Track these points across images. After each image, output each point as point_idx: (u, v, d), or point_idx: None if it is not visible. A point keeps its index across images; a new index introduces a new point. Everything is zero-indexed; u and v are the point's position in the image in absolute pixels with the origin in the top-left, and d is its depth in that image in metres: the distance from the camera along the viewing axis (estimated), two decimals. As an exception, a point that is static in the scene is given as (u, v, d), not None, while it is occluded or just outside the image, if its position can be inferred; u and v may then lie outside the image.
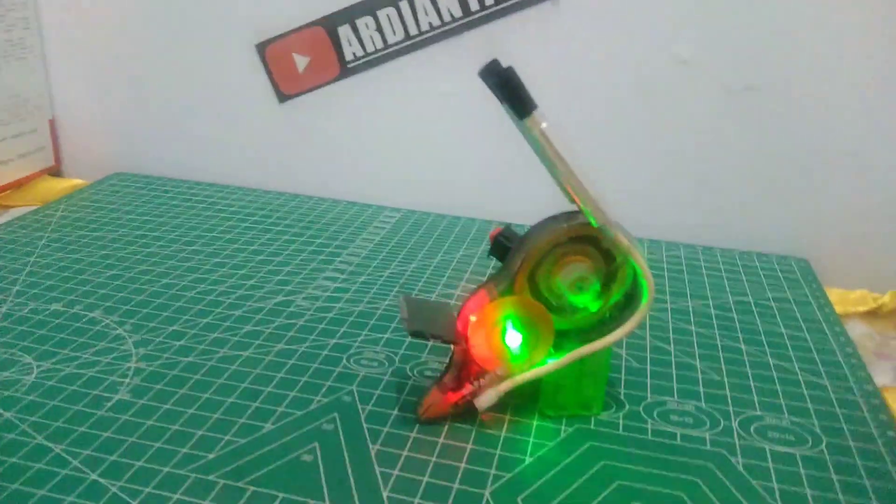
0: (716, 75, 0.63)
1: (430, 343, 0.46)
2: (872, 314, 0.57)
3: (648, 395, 0.45)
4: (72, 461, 0.37)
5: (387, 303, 0.55)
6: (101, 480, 0.36)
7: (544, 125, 0.35)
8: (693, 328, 0.53)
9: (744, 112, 0.63)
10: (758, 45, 0.62)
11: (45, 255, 0.60)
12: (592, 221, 0.37)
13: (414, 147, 0.72)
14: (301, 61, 0.71)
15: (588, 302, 0.40)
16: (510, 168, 0.71)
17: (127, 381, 0.44)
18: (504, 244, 0.44)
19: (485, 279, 0.40)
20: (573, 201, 0.39)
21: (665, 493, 0.37)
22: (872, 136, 0.62)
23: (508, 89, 0.34)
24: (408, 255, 0.63)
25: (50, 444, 0.38)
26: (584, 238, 0.39)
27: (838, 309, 0.56)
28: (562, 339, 0.40)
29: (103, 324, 0.50)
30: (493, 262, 0.60)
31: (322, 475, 0.37)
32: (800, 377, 0.47)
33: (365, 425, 0.41)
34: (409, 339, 0.50)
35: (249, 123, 0.75)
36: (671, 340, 0.51)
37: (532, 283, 0.40)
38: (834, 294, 0.59)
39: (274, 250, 0.63)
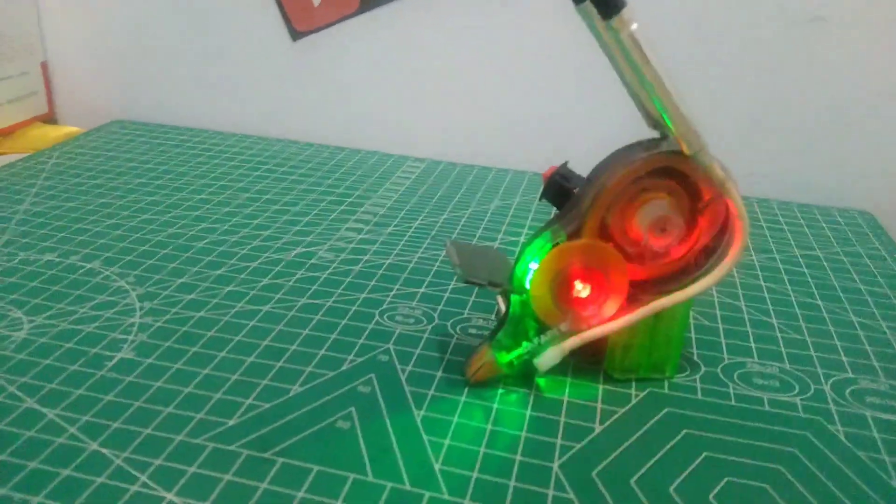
0: (779, 2, 0.57)
1: (485, 291, 0.40)
2: (954, 270, 0.52)
3: (725, 356, 0.39)
4: (68, 428, 0.32)
5: (419, 254, 0.49)
6: (103, 450, 0.31)
7: (634, 26, 0.29)
8: (763, 283, 0.47)
9: (807, 46, 0.57)
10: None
11: (38, 204, 0.54)
12: (685, 148, 0.32)
13: (439, 91, 0.66)
14: (316, -6, 0.64)
15: (671, 246, 0.34)
16: (545, 115, 0.65)
17: (131, 337, 0.39)
18: (562, 185, 0.38)
19: (548, 220, 0.35)
20: (656, 125, 0.33)
21: (761, 467, 0.32)
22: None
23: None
24: (437, 207, 0.57)
25: (43, 409, 0.33)
26: (666, 170, 0.33)
27: (917, 265, 0.51)
28: (636, 290, 0.35)
29: (103, 275, 0.45)
30: (537, 210, 0.54)
31: (362, 444, 0.32)
32: (889, 336, 0.42)
33: (407, 388, 0.35)
34: (448, 293, 0.44)
35: (259, 65, 0.69)
36: (741, 297, 0.45)
37: (603, 225, 0.34)
38: (908, 249, 0.54)
39: (290, 200, 0.57)
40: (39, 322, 0.40)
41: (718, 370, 0.38)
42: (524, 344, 0.35)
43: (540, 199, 0.39)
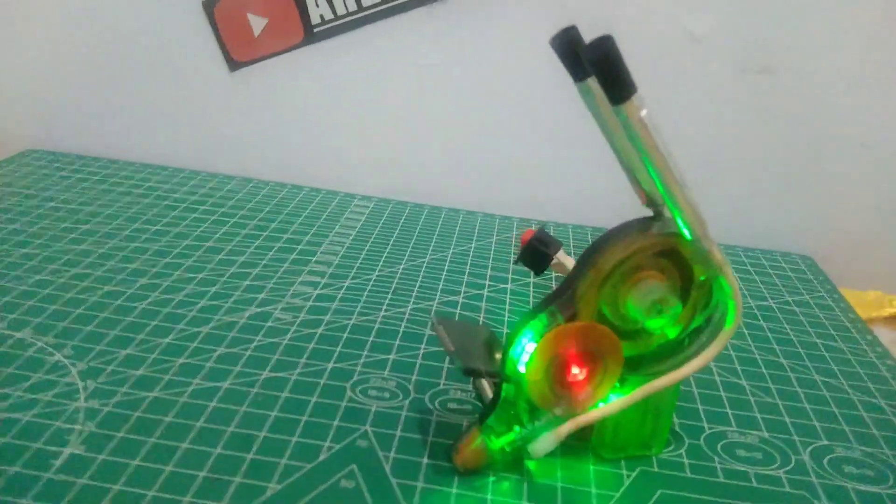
0: (730, 55, 0.58)
1: (482, 377, 0.38)
2: (893, 319, 0.54)
3: (705, 425, 0.39)
4: (16, 550, 0.28)
5: (382, 313, 0.47)
6: (61, 577, 0.27)
7: (644, 112, 0.28)
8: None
9: (756, 96, 0.59)
10: (775, 25, 0.57)
11: (-54, 255, 0.48)
12: (686, 233, 0.31)
13: (387, 126, 0.64)
14: (257, 23, 0.60)
15: (665, 326, 0.33)
16: (496, 153, 0.64)
17: (78, 427, 0.35)
18: (541, 250, 0.37)
19: (539, 299, 0.33)
20: (650, 203, 0.33)
21: (759, 553, 0.31)
22: (889, 128, 0.58)
23: (608, 66, 0.27)
24: (393, 254, 0.55)
25: (-17, 527, 0.29)
26: (662, 252, 0.33)
27: (860, 313, 0.53)
28: (628, 370, 0.34)
29: (36, 347, 0.40)
30: (482, 267, 0.53)
31: (355, 554, 0.29)
32: (852, 396, 0.43)
33: (392, 480, 0.33)
34: (419, 360, 0.42)
35: (193, 94, 0.64)
36: (709, 355, 0.45)
37: (597, 305, 0.33)
38: (848, 295, 0.56)
39: (235, 247, 0.53)
40: (-35, 411, 0.35)
41: (702, 441, 0.38)
42: (516, 429, 0.34)
43: (515, 263, 0.38)
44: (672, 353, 0.34)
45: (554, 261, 0.38)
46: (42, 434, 0.34)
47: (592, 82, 0.30)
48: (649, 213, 0.34)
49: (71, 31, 0.64)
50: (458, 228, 0.60)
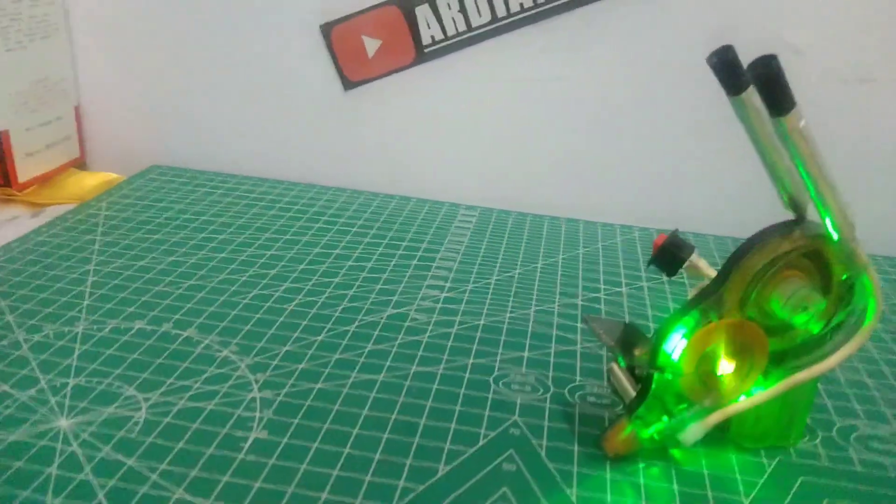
0: (830, 65, 0.60)
1: (590, 356, 0.41)
2: None
3: (835, 417, 0.41)
4: (228, 520, 0.31)
5: (508, 314, 0.49)
6: (273, 544, 0.30)
7: (803, 123, 0.30)
8: (843, 340, 0.49)
9: (857, 105, 0.60)
10: (871, 34, 0.59)
11: (105, 263, 0.53)
12: (835, 234, 0.33)
13: (492, 140, 0.67)
14: (371, 45, 0.64)
15: (809, 322, 0.36)
16: (592, 163, 0.67)
17: (257, 414, 0.38)
18: (676, 254, 0.39)
19: (692, 298, 0.36)
20: (794, 208, 0.35)
21: (906, 537, 0.33)
22: None
23: (773, 81, 0.29)
24: (506, 259, 0.58)
25: (195, 499, 0.32)
26: (805, 253, 0.35)
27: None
28: (771, 363, 0.36)
29: (203, 345, 0.44)
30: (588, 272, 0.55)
31: (529, 529, 0.32)
32: (975, 394, 0.44)
33: (550, 465, 0.36)
34: (553, 358, 0.45)
35: (310, 113, 0.68)
36: (827, 354, 0.47)
37: (744, 303, 0.35)
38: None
39: (361, 254, 0.57)
40: (156, 400, 0.39)
41: (833, 434, 0.40)
42: (665, 419, 0.36)
43: (648, 266, 0.40)
44: (814, 348, 0.36)
45: (687, 263, 0.40)
46: (227, 421, 0.37)
47: (747, 96, 0.33)
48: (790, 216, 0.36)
49: (189, 53, 0.69)
50: (563, 235, 0.63)
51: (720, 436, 0.38)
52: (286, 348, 0.44)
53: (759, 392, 0.36)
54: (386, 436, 0.37)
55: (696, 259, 0.41)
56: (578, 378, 0.43)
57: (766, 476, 0.36)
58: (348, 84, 0.66)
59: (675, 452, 0.37)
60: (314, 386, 0.41)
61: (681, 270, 0.40)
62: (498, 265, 0.56)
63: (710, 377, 0.35)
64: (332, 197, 0.67)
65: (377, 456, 0.36)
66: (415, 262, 0.56)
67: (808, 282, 0.35)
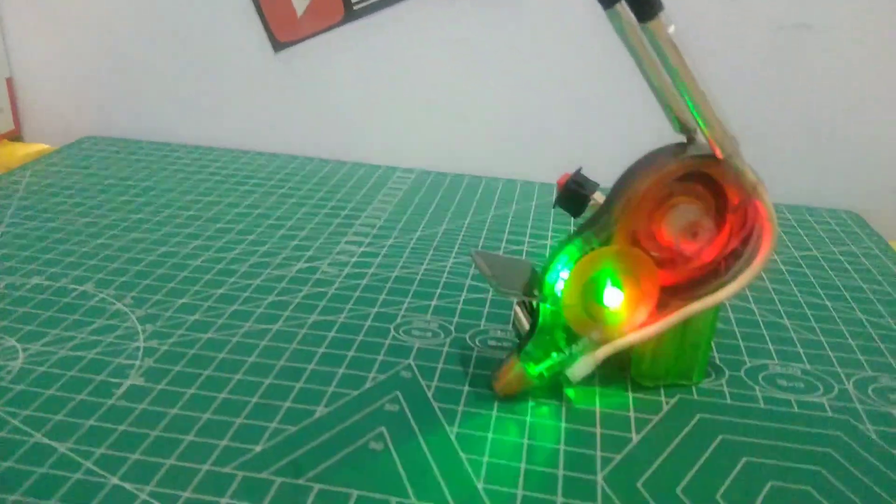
0: (765, 11, 0.58)
1: (499, 301, 0.39)
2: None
3: (746, 359, 0.39)
4: (83, 462, 0.30)
5: (425, 266, 0.48)
6: (125, 485, 0.29)
7: (672, 29, 0.29)
8: (769, 285, 0.47)
9: (793, 52, 0.58)
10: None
11: (16, 225, 0.51)
12: (718, 152, 0.31)
13: (427, 101, 0.65)
14: (300, 3, 0.63)
15: (701, 251, 0.34)
16: (534, 123, 0.65)
17: (137, 363, 0.37)
18: (577, 191, 0.38)
19: (578, 227, 0.34)
20: (683, 129, 0.33)
21: (801, 469, 0.31)
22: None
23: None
24: (434, 217, 0.56)
25: (52, 443, 0.31)
26: (694, 174, 0.33)
27: (909, 262, 0.52)
28: (665, 296, 0.35)
29: (98, 298, 0.42)
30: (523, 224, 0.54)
31: (399, 465, 0.31)
32: (899, 334, 0.43)
33: (435, 404, 0.34)
34: (461, 305, 0.43)
35: (240, 77, 0.67)
36: (750, 299, 0.45)
37: (633, 231, 0.34)
38: (897, 247, 0.55)
39: (282, 214, 0.55)
40: (35, 350, 0.37)
41: (742, 373, 0.38)
42: (554, 355, 0.34)
43: (554, 206, 0.39)
44: (709, 278, 0.35)
45: (591, 202, 0.38)
46: (105, 369, 0.36)
47: (621, 7, 0.31)
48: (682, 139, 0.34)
49: (122, 22, 0.68)
50: (497, 195, 0.61)
51: (620, 375, 0.37)
52: (182, 301, 0.42)
53: (650, 325, 0.34)
54: (269, 381, 0.36)
55: (601, 198, 0.39)
56: (483, 324, 0.41)
57: (662, 414, 0.35)
58: (278, 45, 0.65)
59: (570, 392, 0.36)
60: (203, 336, 0.39)
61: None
62: (424, 223, 0.55)
63: (595, 309, 0.34)
64: (265, 162, 0.66)
65: (254, 399, 0.34)
66: (338, 220, 0.55)
67: (701, 207, 0.33)
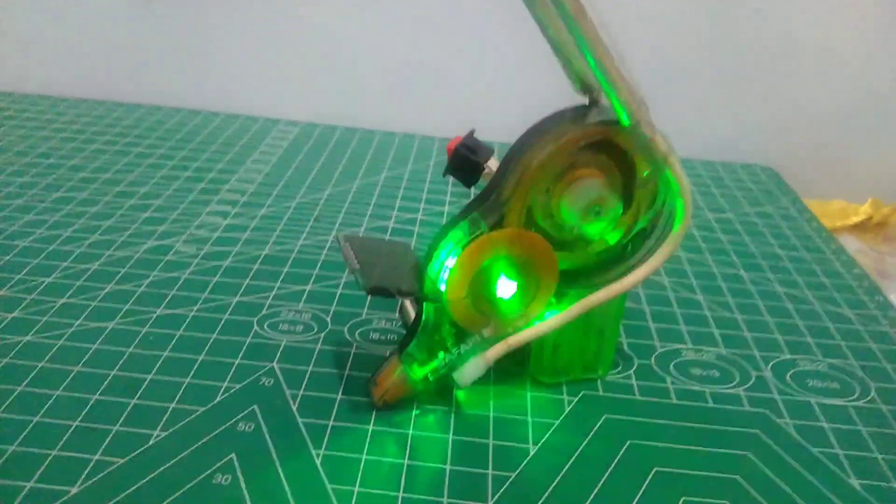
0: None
1: (391, 297, 0.34)
2: (859, 227, 0.51)
3: (657, 343, 0.35)
4: None
5: (301, 241, 0.42)
6: None
7: (570, -29, 0.23)
8: (681, 254, 0.44)
9: (705, 3, 0.54)
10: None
11: None
12: (624, 119, 0.26)
13: (311, 44, 0.58)
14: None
15: (605, 231, 0.29)
16: (434, 70, 0.59)
17: (-72, 380, 0.30)
18: (469, 157, 0.32)
19: (464, 206, 0.29)
20: (585, 90, 0.28)
21: (716, 479, 0.28)
22: (845, 29, 0.54)
23: None
24: (318, 180, 0.49)
25: None
26: (598, 143, 0.28)
27: (824, 223, 0.49)
28: (565, 283, 0.30)
29: None
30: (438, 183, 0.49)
31: (248, 503, 0.25)
32: (817, 307, 0.39)
33: (300, 420, 0.29)
34: (340, 289, 0.37)
35: (97, 17, 0.58)
36: (661, 271, 0.42)
37: (528, 210, 0.28)
38: (812, 206, 0.52)
39: (136, 179, 0.47)
40: None
41: (652, 361, 0.34)
42: (440, 355, 0.29)
43: (444, 175, 0.33)
44: (614, 262, 0.30)
45: (486, 170, 0.33)
46: None
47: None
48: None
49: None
50: (392, 153, 0.55)
51: (517, 371, 0.32)
52: (0, 293, 0.35)
53: (550, 317, 0.30)
54: (95, 398, 0.29)
55: (496, 164, 0.34)
56: (366, 312, 0.36)
57: (563, 416, 0.30)
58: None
59: (460, 395, 0.31)
60: (22, 339, 0.32)
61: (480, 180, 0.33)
62: (305, 186, 0.48)
63: (486, 302, 0.29)
64: (122, 114, 0.57)
65: (75, 423, 0.28)
66: (203, 185, 0.48)
67: (603, 181, 0.28)
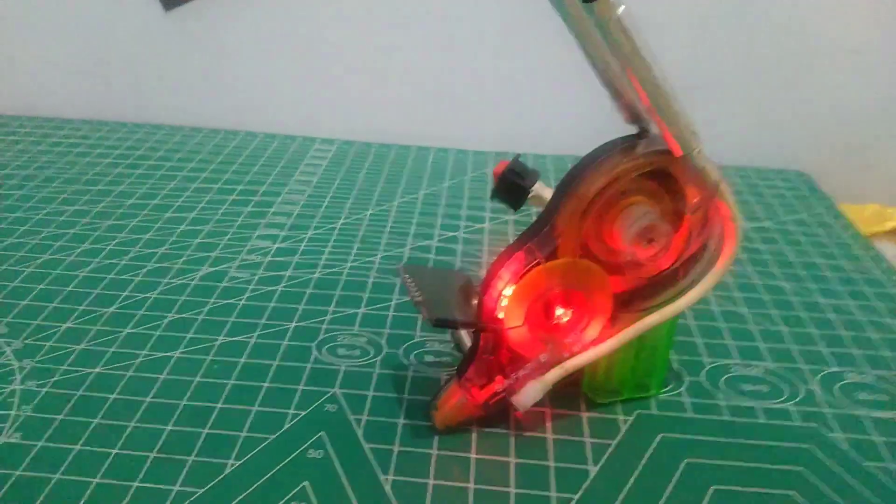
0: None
1: (455, 328, 0.35)
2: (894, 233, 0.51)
3: (705, 359, 0.36)
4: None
5: (350, 263, 0.43)
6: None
7: (622, 9, 0.24)
8: (722, 266, 0.44)
9: (741, 6, 0.54)
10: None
11: None
12: (676, 150, 0.27)
13: (346, 62, 0.59)
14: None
15: (657, 257, 0.30)
16: (463, 87, 0.59)
17: (12, 413, 0.31)
18: (516, 182, 0.33)
19: (517, 236, 0.29)
20: (634, 120, 0.29)
21: (773, 495, 0.28)
22: (875, 30, 0.54)
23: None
24: (360, 199, 0.51)
25: None
26: (648, 172, 0.29)
27: (860, 229, 0.50)
28: (617, 305, 0.31)
29: (-38, 329, 0.36)
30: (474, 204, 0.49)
31: (326, 533, 0.26)
32: (859, 317, 0.40)
33: (366, 446, 0.30)
34: (392, 311, 0.39)
35: (126, 40, 0.59)
36: (703, 284, 0.42)
37: (580, 237, 0.29)
38: (847, 210, 0.52)
39: (184, 203, 0.49)
40: None
41: (702, 377, 0.35)
42: (499, 380, 0.30)
43: (491, 199, 0.34)
44: (666, 285, 0.31)
45: (532, 193, 0.34)
46: (-31, 425, 0.30)
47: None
48: (633, 131, 0.30)
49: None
50: (428, 167, 0.56)
51: (572, 392, 0.33)
52: (67, 325, 0.36)
53: (604, 341, 0.30)
54: (169, 428, 0.30)
55: (542, 189, 0.35)
56: (419, 334, 0.37)
57: (620, 436, 0.31)
58: (169, 3, 0.57)
59: (518, 418, 0.32)
60: (91, 371, 0.33)
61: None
62: (348, 206, 0.50)
63: (543, 329, 0.30)
64: (164, 138, 0.59)
65: (152, 455, 0.29)
66: (249, 207, 0.49)
67: (654, 208, 0.29)
